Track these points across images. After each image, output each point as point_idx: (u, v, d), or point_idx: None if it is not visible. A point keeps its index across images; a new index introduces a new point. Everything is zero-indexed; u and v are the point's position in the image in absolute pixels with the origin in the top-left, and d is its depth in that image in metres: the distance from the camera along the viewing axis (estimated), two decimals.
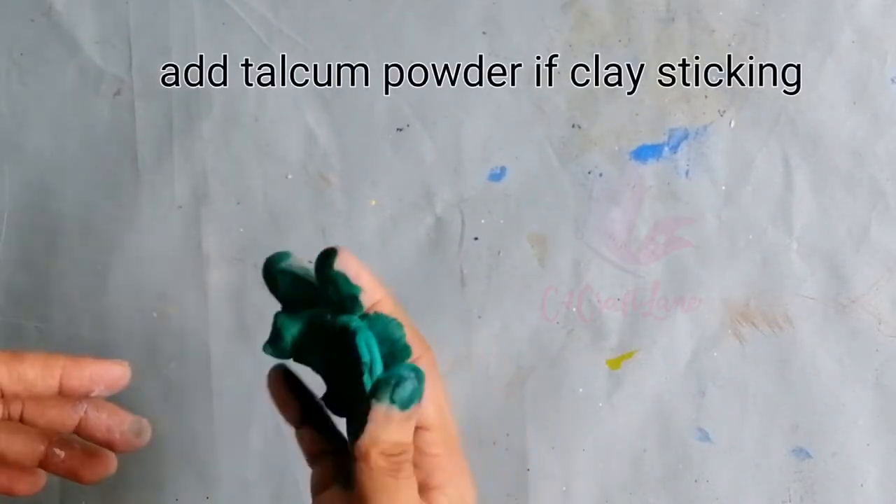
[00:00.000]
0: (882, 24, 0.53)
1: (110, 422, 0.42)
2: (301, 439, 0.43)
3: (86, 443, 0.43)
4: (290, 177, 0.56)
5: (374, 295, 0.40)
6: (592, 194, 0.54)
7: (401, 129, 0.55)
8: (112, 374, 0.42)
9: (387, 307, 0.40)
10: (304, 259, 0.42)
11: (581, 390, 0.54)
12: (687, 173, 0.54)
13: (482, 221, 0.55)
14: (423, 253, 0.55)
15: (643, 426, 0.54)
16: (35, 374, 0.40)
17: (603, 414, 0.54)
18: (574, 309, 0.54)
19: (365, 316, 0.39)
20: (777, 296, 0.53)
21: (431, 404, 0.39)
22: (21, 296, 0.56)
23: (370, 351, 0.38)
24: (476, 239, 0.55)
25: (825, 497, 0.53)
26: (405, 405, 0.37)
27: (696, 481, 0.53)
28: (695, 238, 0.54)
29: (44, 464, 0.42)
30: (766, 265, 0.54)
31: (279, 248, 0.55)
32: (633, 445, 0.54)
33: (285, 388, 0.42)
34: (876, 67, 0.53)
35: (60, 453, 0.42)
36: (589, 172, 0.54)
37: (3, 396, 0.40)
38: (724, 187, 0.54)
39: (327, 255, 0.39)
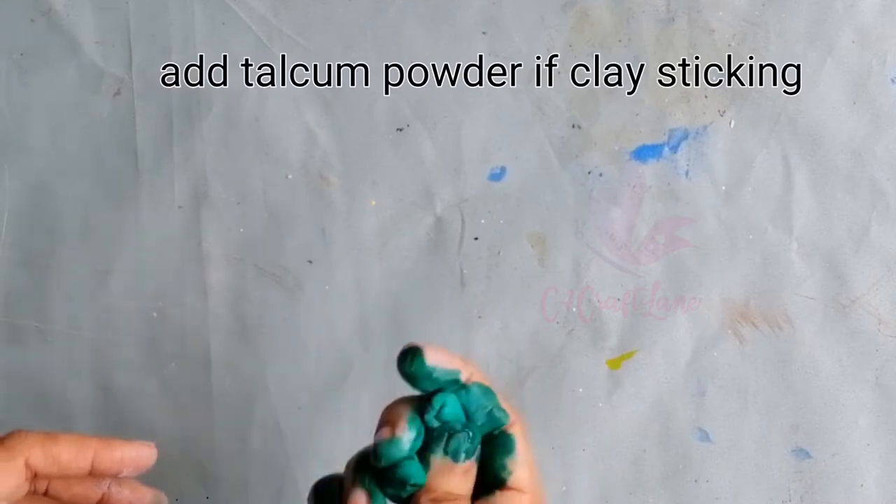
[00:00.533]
0: (882, 23, 0.53)
1: (132, 497, 0.43)
2: None
3: None
4: (290, 177, 0.56)
5: (465, 371, 0.40)
6: (592, 194, 0.54)
7: (401, 129, 0.55)
8: (141, 456, 0.43)
9: (477, 377, 0.40)
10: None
11: (581, 390, 0.54)
12: (687, 173, 0.54)
13: (482, 221, 0.55)
14: (423, 253, 0.55)
15: (643, 426, 0.54)
16: (69, 457, 0.40)
17: (603, 414, 0.54)
18: (574, 309, 0.54)
19: (461, 387, 0.40)
20: (777, 296, 0.53)
21: (525, 468, 0.40)
22: (21, 296, 0.56)
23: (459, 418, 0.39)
24: (476, 239, 0.55)
25: (825, 497, 0.53)
26: (456, 457, 0.39)
27: (695, 481, 0.53)
28: (695, 238, 0.54)
29: None
30: (766, 265, 0.54)
31: (279, 248, 0.55)
32: (633, 445, 0.54)
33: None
34: (876, 67, 0.53)
35: None
36: (589, 172, 0.54)
37: (35, 476, 0.40)
38: (724, 187, 0.54)
39: (413, 355, 0.39)
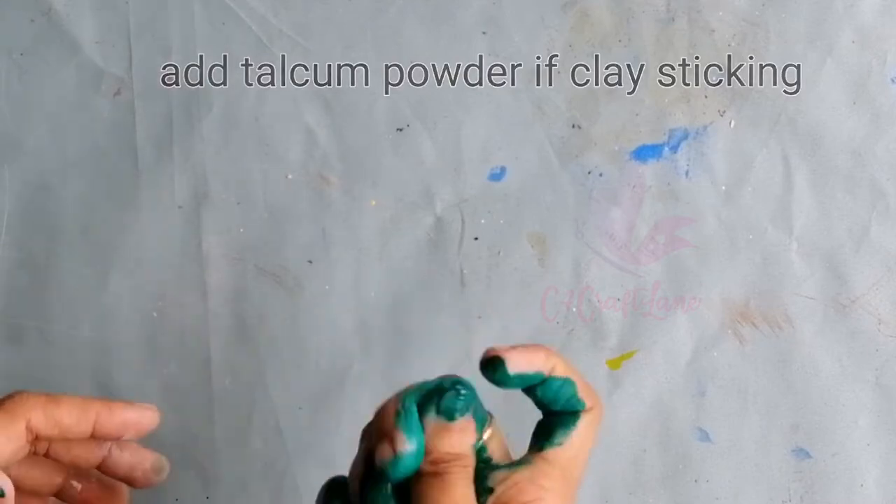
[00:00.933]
0: (882, 23, 0.53)
1: (132, 460, 0.43)
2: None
3: (102, 476, 0.43)
4: (290, 177, 0.56)
5: (547, 366, 0.40)
6: (592, 194, 0.54)
7: (401, 129, 0.55)
8: (144, 420, 0.42)
9: (560, 370, 0.40)
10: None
11: None
12: (687, 173, 0.54)
13: (482, 221, 0.55)
14: (423, 253, 0.55)
15: (643, 426, 0.54)
16: (70, 419, 0.40)
17: (603, 413, 0.54)
18: (574, 309, 0.54)
19: (543, 381, 0.40)
20: (777, 296, 0.53)
21: (572, 450, 0.39)
22: (21, 296, 0.56)
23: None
24: (476, 239, 0.55)
25: (825, 497, 0.53)
26: (450, 416, 0.38)
27: (695, 481, 0.53)
28: (695, 238, 0.54)
29: (59, 494, 0.43)
30: (766, 265, 0.54)
31: (279, 248, 0.55)
32: (633, 445, 0.54)
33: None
34: (876, 67, 0.53)
35: (77, 486, 0.43)
36: (589, 172, 0.54)
37: (36, 438, 0.40)
38: (724, 187, 0.54)
39: (495, 365, 0.39)
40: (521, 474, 0.38)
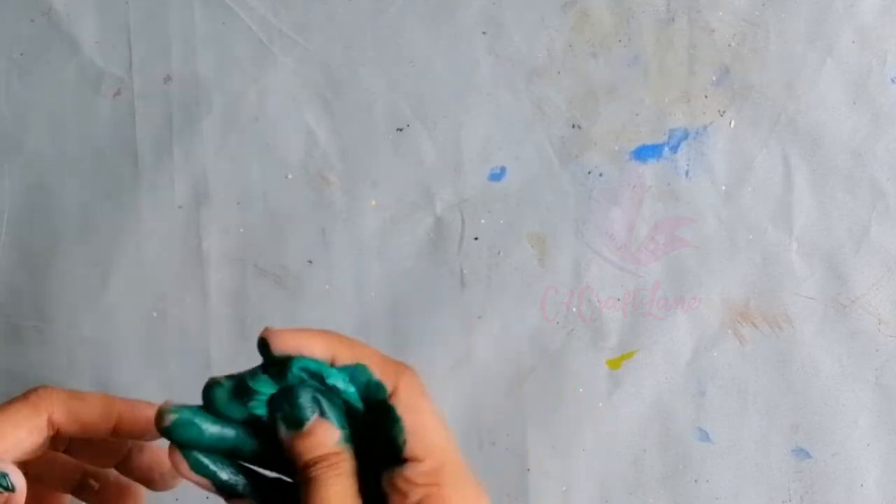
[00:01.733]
0: (882, 23, 0.53)
1: (151, 461, 0.42)
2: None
3: (120, 476, 0.43)
4: (290, 177, 0.56)
5: (328, 351, 0.38)
6: (592, 194, 0.54)
7: (401, 129, 0.55)
8: None
9: (344, 355, 0.38)
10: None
11: (581, 390, 0.54)
12: (687, 173, 0.54)
13: (482, 221, 0.55)
14: (423, 253, 0.55)
15: (643, 426, 0.54)
16: (93, 417, 0.40)
17: (603, 414, 0.54)
18: (574, 309, 0.54)
19: (332, 371, 0.38)
20: (777, 296, 0.53)
21: (413, 435, 0.37)
22: (21, 296, 0.56)
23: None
24: (476, 239, 0.55)
25: (825, 497, 0.53)
26: (294, 426, 0.37)
27: (695, 481, 0.53)
28: (695, 238, 0.54)
29: (76, 491, 0.42)
30: (766, 265, 0.54)
31: (279, 248, 0.55)
32: (633, 445, 0.54)
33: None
34: (876, 67, 0.53)
35: (95, 484, 0.42)
36: (589, 172, 0.54)
37: (57, 433, 0.40)
38: (724, 187, 0.54)
39: (261, 346, 0.37)
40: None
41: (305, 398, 0.37)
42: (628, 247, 0.54)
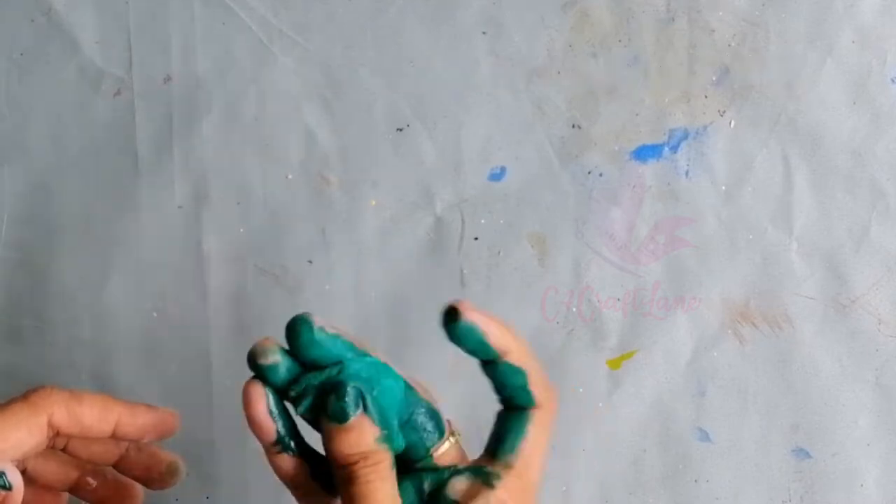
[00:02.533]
0: (882, 23, 0.53)
1: (149, 461, 0.43)
2: (279, 468, 0.41)
3: (118, 475, 0.43)
4: (290, 177, 0.56)
5: (502, 344, 0.39)
6: (592, 194, 0.54)
7: (401, 129, 0.55)
8: (165, 424, 0.42)
9: (515, 356, 0.40)
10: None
11: (581, 390, 0.54)
12: (687, 173, 0.54)
13: (482, 221, 0.55)
14: (423, 253, 0.55)
15: (643, 426, 0.54)
16: (92, 419, 0.40)
17: (603, 414, 0.54)
18: (574, 309, 0.54)
19: (491, 363, 0.40)
20: (777, 296, 0.53)
21: (524, 455, 0.40)
22: (21, 296, 0.56)
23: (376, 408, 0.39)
24: (476, 239, 0.55)
25: (825, 497, 0.53)
26: (341, 418, 0.38)
27: (695, 481, 0.53)
28: (695, 238, 0.54)
29: (74, 490, 0.43)
30: (766, 265, 0.54)
31: (279, 248, 0.55)
32: (633, 445, 0.54)
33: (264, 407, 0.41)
34: (876, 67, 0.53)
35: (92, 482, 0.43)
36: (589, 172, 0.54)
37: (57, 434, 0.40)
38: (724, 187, 0.54)
39: (451, 314, 0.39)
40: (479, 486, 0.39)
41: (353, 393, 0.38)
42: (628, 247, 0.54)
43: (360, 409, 0.38)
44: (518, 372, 0.40)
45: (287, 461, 0.40)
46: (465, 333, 0.39)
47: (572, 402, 0.54)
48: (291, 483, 0.41)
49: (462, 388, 0.54)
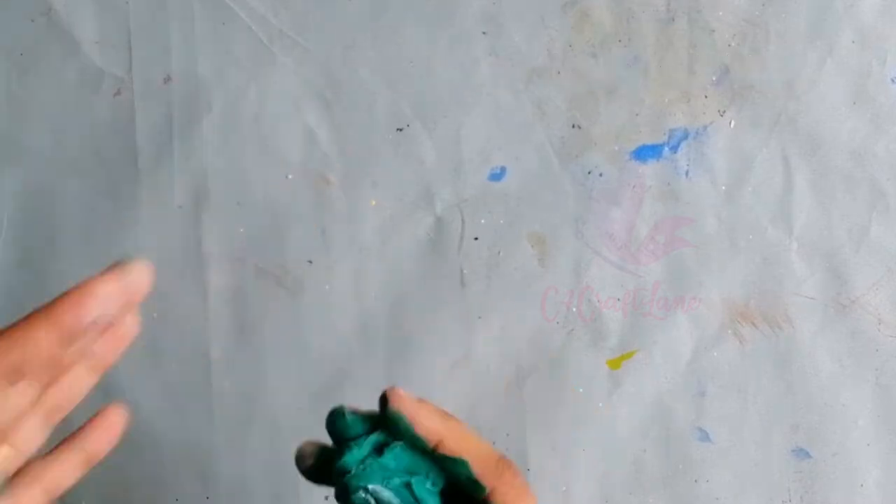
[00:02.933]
0: (882, 23, 0.53)
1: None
2: None
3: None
4: (290, 177, 0.56)
5: (433, 433, 0.38)
6: (592, 194, 0.54)
7: (401, 129, 0.55)
8: (133, 286, 0.38)
9: (450, 444, 0.38)
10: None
11: (581, 390, 0.54)
12: (687, 173, 0.54)
13: (482, 221, 0.55)
14: (423, 253, 0.55)
15: (643, 426, 0.54)
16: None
17: (603, 414, 0.54)
18: (574, 309, 0.54)
19: (435, 457, 0.38)
20: (777, 296, 0.53)
21: None
22: (21, 296, 0.56)
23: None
24: (476, 239, 0.55)
25: (825, 497, 0.53)
26: None
27: (695, 481, 0.53)
28: (695, 238, 0.54)
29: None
30: (766, 265, 0.54)
31: (279, 248, 0.55)
32: (633, 445, 0.54)
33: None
34: (876, 67, 0.53)
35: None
36: (589, 172, 0.54)
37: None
38: (724, 187, 0.54)
39: (382, 400, 0.38)
40: None
41: (359, 497, 0.37)
42: (628, 247, 0.54)
43: None
44: (455, 462, 0.38)
45: None
46: (393, 422, 0.37)
47: (572, 402, 0.54)
48: None
49: (462, 388, 0.54)
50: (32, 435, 0.39)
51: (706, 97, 0.54)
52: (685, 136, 0.54)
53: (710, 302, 0.54)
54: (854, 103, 0.53)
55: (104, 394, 0.56)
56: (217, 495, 0.55)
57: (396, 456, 0.38)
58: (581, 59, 0.54)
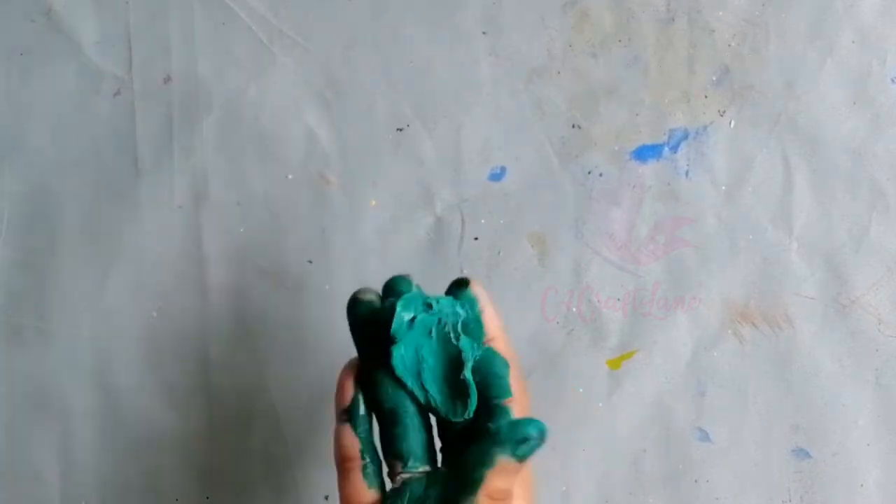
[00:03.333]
0: (882, 23, 0.53)
1: None
2: (339, 438, 0.42)
3: None
4: (290, 177, 0.56)
5: (493, 327, 0.43)
6: (592, 194, 0.54)
7: (401, 129, 0.55)
8: None
9: (500, 344, 0.43)
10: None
11: (581, 390, 0.54)
12: (687, 173, 0.54)
13: (482, 221, 0.55)
14: (423, 253, 0.55)
15: (643, 426, 0.54)
16: None
17: (603, 414, 0.54)
18: (574, 309, 0.54)
19: (486, 349, 0.42)
20: (777, 296, 0.53)
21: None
22: (21, 296, 0.56)
23: (470, 346, 0.41)
24: (476, 239, 0.55)
25: (825, 497, 0.53)
26: (522, 460, 0.38)
27: (695, 481, 0.53)
28: (695, 238, 0.54)
29: None
30: (766, 265, 0.54)
31: (279, 248, 0.55)
32: (633, 445, 0.54)
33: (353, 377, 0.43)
34: (876, 67, 0.53)
35: None
36: (589, 172, 0.54)
37: None
38: (724, 187, 0.54)
39: (460, 282, 0.43)
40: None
41: (543, 442, 0.39)
42: (628, 247, 0.54)
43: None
44: (502, 361, 0.42)
45: (348, 433, 0.41)
46: (466, 302, 0.42)
47: (572, 402, 0.54)
48: (343, 455, 0.42)
49: None
50: None
51: (706, 97, 0.54)
52: (685, 136, 0.54)
53: (710, 302, 0.54)
54: (854, 103, 0.53)
55: (105, 394, 0.56)
56: (217, 495, 0.55)
57: (446, 306, 0.42)
58: (581, 59, 0.54)
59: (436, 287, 0.55)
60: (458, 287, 0.43)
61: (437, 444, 0.42)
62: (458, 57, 0.55)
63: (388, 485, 0.41)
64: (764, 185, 0.54)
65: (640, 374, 0.54)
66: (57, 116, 0.56)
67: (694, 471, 0.53)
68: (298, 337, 0.55)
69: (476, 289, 0.43)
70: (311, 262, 0.55)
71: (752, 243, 0.54)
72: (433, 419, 0.42)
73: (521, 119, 0.55)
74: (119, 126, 0.56)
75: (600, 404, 0.54)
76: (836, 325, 0.53)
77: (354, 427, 0.41)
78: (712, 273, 0.54)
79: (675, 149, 0.54)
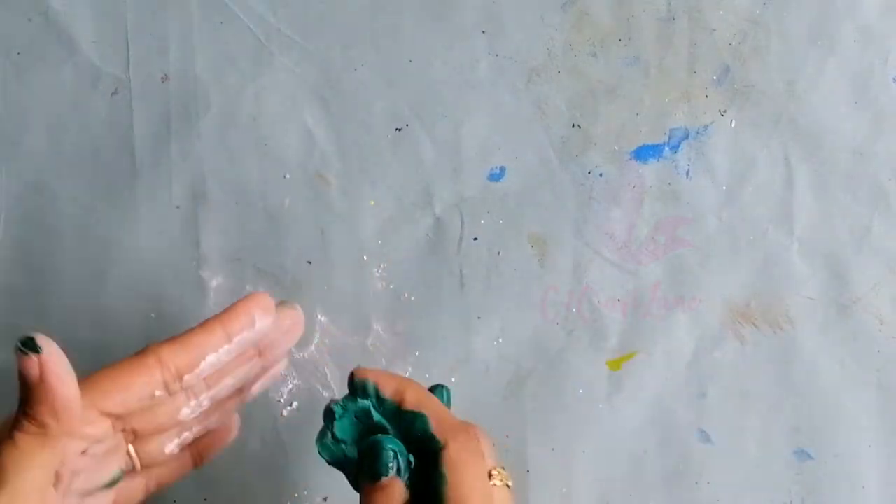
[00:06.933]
0: (884, 23, 0.53)
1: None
2: None
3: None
4: (288, 177, 0.55)
5: (397, 390, 0.44)
6: (592, 194, 0.54)
7: (400, 129, 0.55)
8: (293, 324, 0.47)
9: (411, 399, 0.43)
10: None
11: (581, 391, 0.54)
12: (687, 173, 0.54)
13: (482, 221, 0.55)
14: (423, 253, 0.55)
15: (643, 427, 0.54)
16: (198, 340, 0.43)
17: (603, 415, 0.54)
18: (574, 309, 0.54)
19: (396, 413, 0.44)
20: (778, 296, 0.53)
21: (454, 491, 0.41)
22: (19, 296, 0.56)
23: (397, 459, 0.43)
24: (476, 239, 0.55)
25: (826, 498, 0.53)
26: (375, 477, 0.42)
27: (696, 483, 0.53)
28: (695, 238, 0.54)
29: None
30: (767, 265, 0.53)
31: (278, 248, 0.55)
32: (634, 447, 0.54)
33: None
34: (878, 67, 0.53)
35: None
36: (589, 172, 0.54)
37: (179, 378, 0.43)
38: (724, 187, 0.54)
39: (349, 377, 0.45)
40: None
41: (387, 455, 0.42)
42: (628, 247, 0.54)
43: (393, 473, 0.41)
44: (416, 416, 0.43)
45: None
46: (361, 388, 0.44)
47: (572, 403, 0.54)
48: None
49: (462, 388, 0.54)
50: (163, 447, 0.44)
51: (707, 97, 0.54)
52: (686, 135, 0.54)
53: (711, 302, 0.54)
54: (856, 103, 0.53)
55: None
56: (215, 496, 0.55)
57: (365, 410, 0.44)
58: (581, 59, 0.54)
59: (435, 287, 0.55)
60: (350, 384, 0.45)
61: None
62: (458, 56, 0.55)
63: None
64: (765, 184, 0.53)
65: (640, 375, 0.54)
66: (54, 116, 0.56)
67: (694, 472, 0.53)
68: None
69: (360, 375, 0.44)
70: (310, 262, 0.55)
71: (752, 243, 0.54)
72: None
73: (520, 119, 0.54)
74: (117, 125, 0.56)
75: (600, 405, 0.54)
76: (837, 325, 0.53)
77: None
78: (713, 273, 0.54)
79: (675, 148, 0.54)
